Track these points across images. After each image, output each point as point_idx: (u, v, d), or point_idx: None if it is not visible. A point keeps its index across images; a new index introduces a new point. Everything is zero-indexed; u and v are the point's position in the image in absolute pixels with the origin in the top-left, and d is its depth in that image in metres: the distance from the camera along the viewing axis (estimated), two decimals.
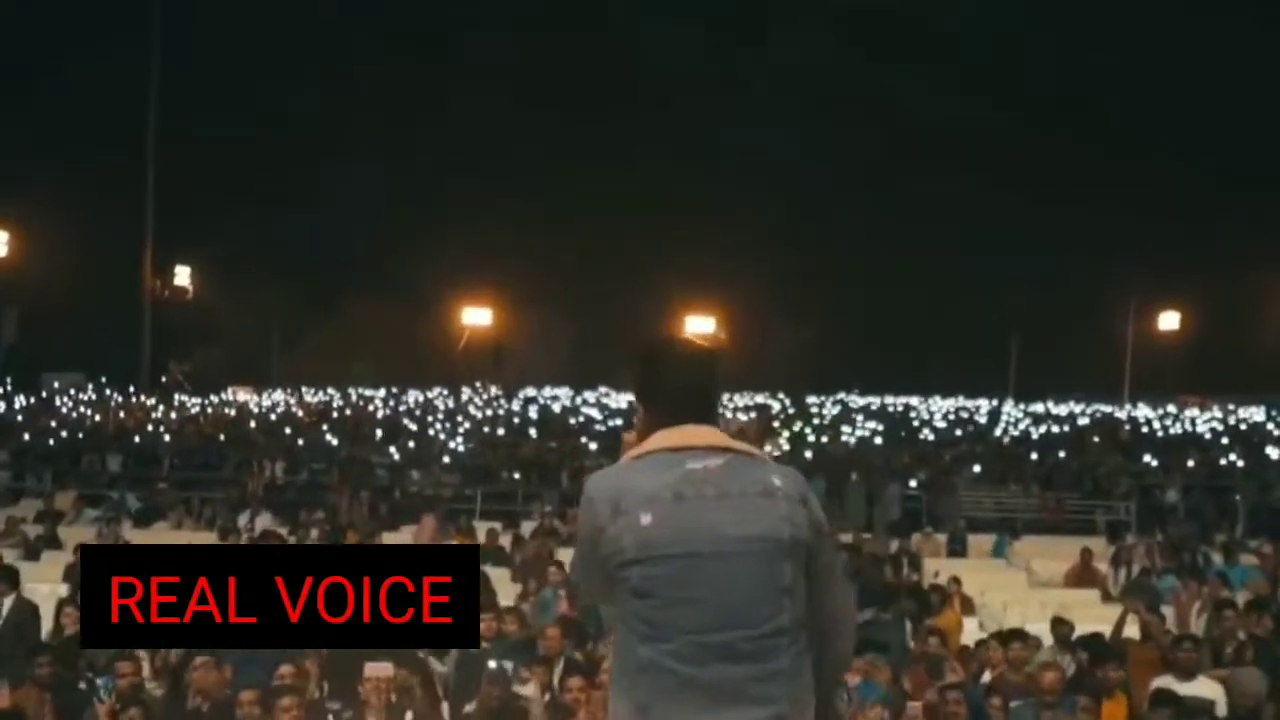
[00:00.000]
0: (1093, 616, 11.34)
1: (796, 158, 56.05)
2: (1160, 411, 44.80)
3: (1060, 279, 54.42)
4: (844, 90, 54.73)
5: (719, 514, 2.80)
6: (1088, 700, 7.57)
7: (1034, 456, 28.20)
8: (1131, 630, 9.95)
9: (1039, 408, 45.90)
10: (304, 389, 49.82)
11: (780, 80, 56.27)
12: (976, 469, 25.09)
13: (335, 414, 39.21)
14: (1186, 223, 51.09)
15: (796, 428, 35.68)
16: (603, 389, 49.37)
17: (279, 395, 48.43)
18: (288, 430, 32.30)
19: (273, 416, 38.19)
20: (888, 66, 53.33)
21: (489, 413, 40.74)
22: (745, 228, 53.43)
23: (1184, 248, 50.84)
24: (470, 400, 46.51)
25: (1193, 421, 41.45)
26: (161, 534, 17.40)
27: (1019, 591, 13.90)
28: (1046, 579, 14.96)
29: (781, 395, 48.01)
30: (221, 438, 29.83)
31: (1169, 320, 54.31)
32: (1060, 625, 9.56)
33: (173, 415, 36.20)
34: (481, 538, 15.59)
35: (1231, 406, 45.97)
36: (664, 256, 51.92)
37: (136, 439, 29.28)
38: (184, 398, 44.97)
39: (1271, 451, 28.60)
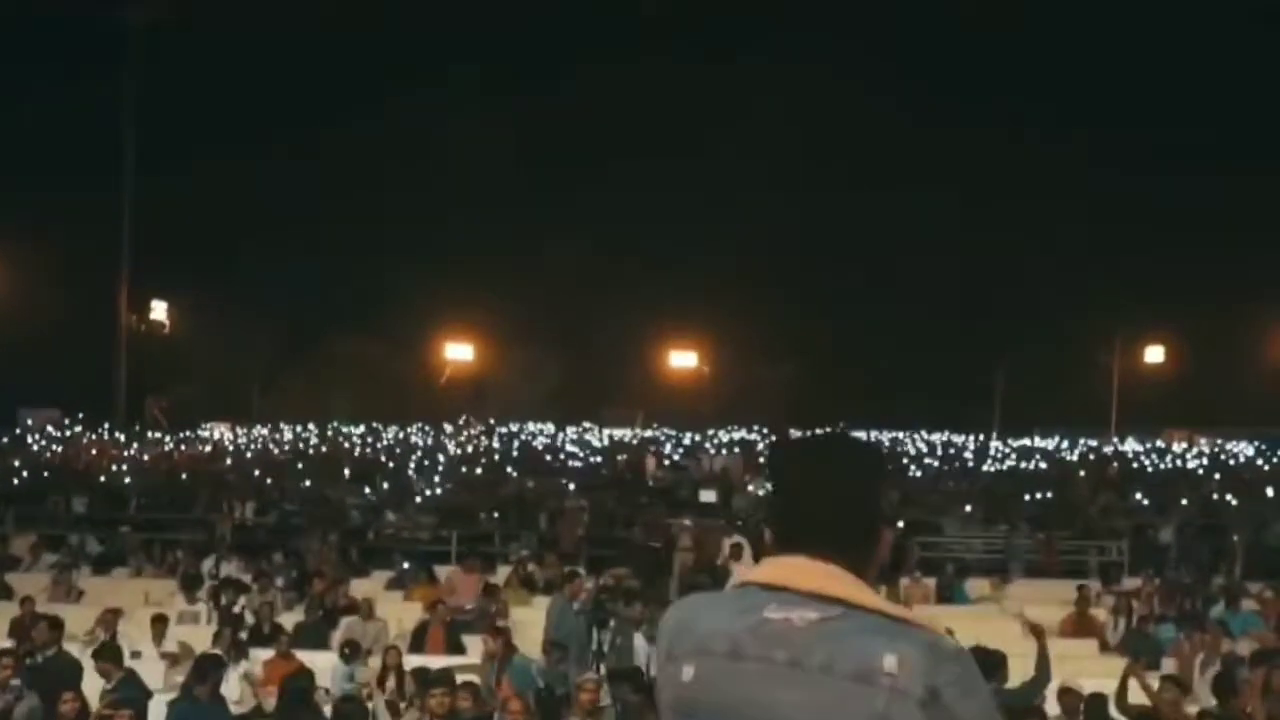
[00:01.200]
0: (1092, 670, 10.85)
1: (778, 193, 55.88)
2: (1147, 445, 44.49)
3: (1045, 312, 54.15)
4: (821, 124, 54.56)
5: (782, 690, 2.01)
6: None
7: (1027, 497, 27.57)
8: (1136, 690, 9.40)
9: (1025, 442, 45.53)
10: (284, 425, 49.12)
11: (759, 116, 56.14)
12: (968, 508, 24.50)
13: (310, 452, 38.50)
14: (1172, 255, 50.89)
15: None
16: (585, 425, 48.83)
17: (258, 431, 47.73)
18: (256, 471, 31.54)
19: (248, 454, 37.44)
20: (864, 97, 53.08)
21: (469, 449, 40.09)
22: (727, 263, 53.06)
23: (1170, 281, 50.63)
24: (450, 436, 45.88)
25: (1181, 456, 41.09)
26: (120, 581, 16.76)
27: (1015, 642, 13.24)
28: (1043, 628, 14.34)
29: (765, 431, 47.51)
30: (191, 476, 29.13)
31: (1155, 354, 54.09)
32: (1067, 695, 8.94)
33: (144, 457, 35.37)
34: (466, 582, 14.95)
35: (1219, 441, 45.68)
36: (647, 292, 51.55)
37: (102, 479, 28.54)
38: (159, 434, 44.24)
39: (1265, 488, 28.11)
